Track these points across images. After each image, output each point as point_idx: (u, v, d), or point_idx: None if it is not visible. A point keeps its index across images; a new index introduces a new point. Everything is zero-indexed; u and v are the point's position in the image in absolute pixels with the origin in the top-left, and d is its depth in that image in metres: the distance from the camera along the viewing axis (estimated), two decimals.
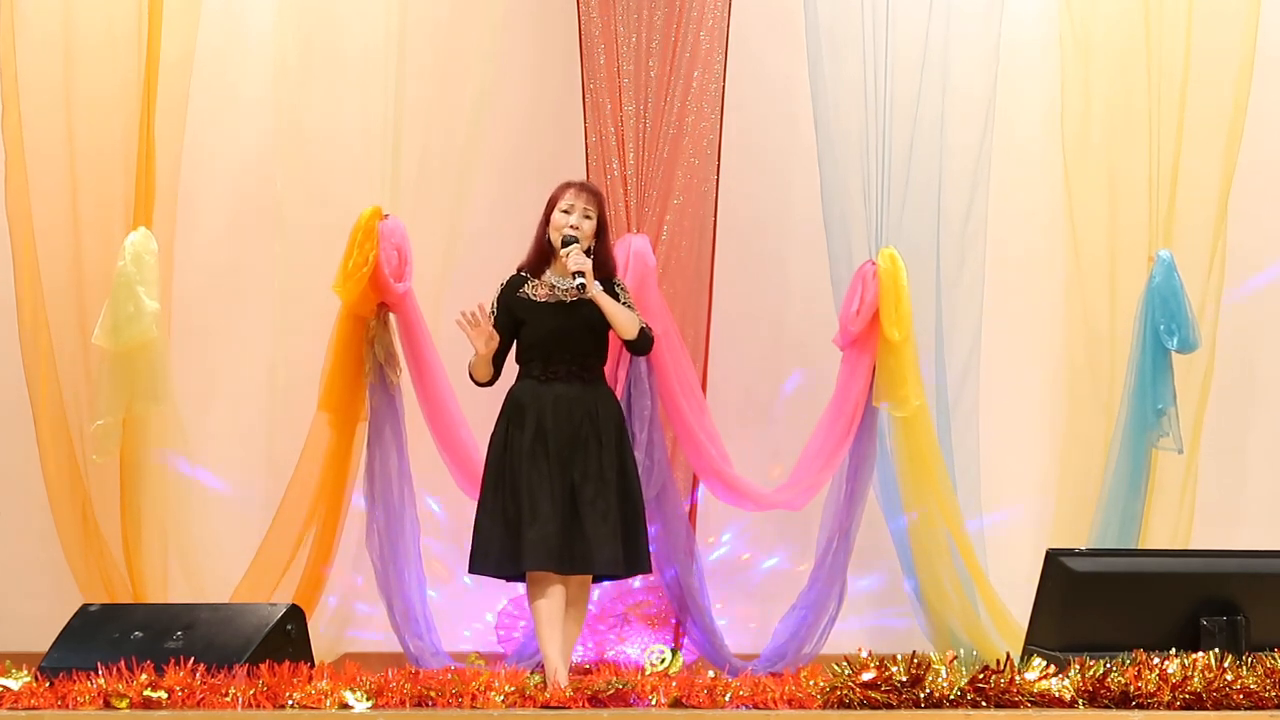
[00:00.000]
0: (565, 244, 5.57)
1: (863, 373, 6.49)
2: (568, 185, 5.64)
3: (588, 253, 5.62)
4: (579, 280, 5.49)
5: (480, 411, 6.06)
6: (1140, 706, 5.02)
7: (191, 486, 6.49)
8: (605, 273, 5.69)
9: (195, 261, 6.66)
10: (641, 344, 5.72)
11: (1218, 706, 5.04)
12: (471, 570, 5.64)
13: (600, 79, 6.53)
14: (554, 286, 5.62)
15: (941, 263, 6.60)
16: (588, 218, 5.61)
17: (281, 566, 6.36)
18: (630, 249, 6.45)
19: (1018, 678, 5.05)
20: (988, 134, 6.57)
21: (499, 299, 5.62)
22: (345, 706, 5.03)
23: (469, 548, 5.68)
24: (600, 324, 5.61)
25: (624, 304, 5.68)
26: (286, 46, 6.52)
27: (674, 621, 6.53)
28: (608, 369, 5.93)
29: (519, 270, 5.72)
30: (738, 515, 6.82)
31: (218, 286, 6.82)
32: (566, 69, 6.68)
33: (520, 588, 5.96)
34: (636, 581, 6.39)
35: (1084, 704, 5.04)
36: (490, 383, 5.62)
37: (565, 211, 5.56)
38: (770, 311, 7.02)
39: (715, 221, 6.63)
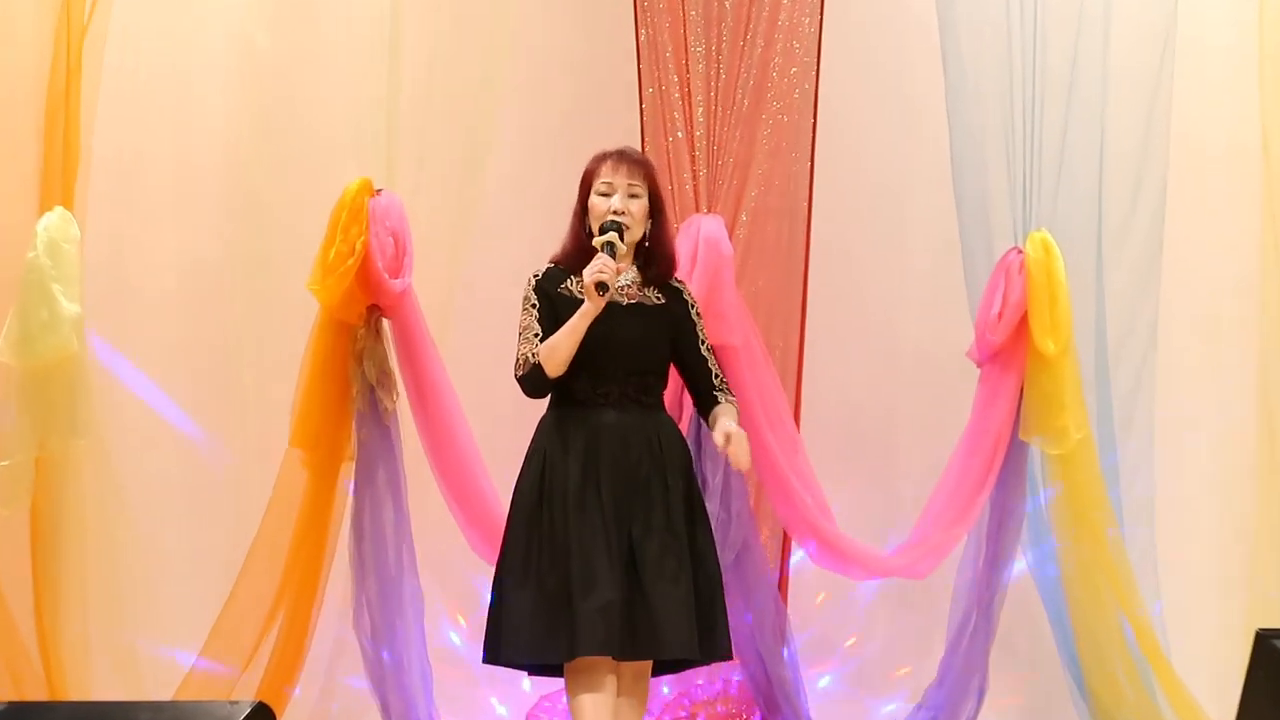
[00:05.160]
0: (604, 231, 5.16)
1: (1006, 397, 6.03)
2: (603, 156, 5.29)
3: (643, 244, 5.20)
4: (603, 284, 5.02)
5: (501, 447, 5.63)
6: None
7: (126, 545, 6.03)
8: (661, 269, 5.28)
9: (136, 257, 6.20)
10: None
11: None
12: (488, 658, 5.17)
13: (659, 12, 6.17)
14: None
15: (1105, 251, 6.10)
16: (634, 196, 5.21)
17: (244, 652, 5.86)
18: (699, 235, 6.02)
19: None
20: (1165, 74, 6.05)
21: (537, 288, 5.22)
22: None
23: (485, 626, 5.24)
24: (664, 335, 5.25)
25: (692, 317, 5.30)
26: None
27: None
28: (671, 395, 5.51)
29: (554, 263, 5.30)
30: (841, 586, 6.37)
31: (160, 288, 6.31)
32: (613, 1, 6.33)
33: (551, 682, 5.66)
34: (700, 678, 6.09)
35: None
36: (551, 388, 5.22)
37: (604, 194, 5.21)
38: (883, 316, 6.66)
39: (811, 198, 6.20)
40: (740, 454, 5.08)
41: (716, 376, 5.31)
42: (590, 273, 5.03)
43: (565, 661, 5.05)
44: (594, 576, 5.03)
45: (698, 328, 5.30)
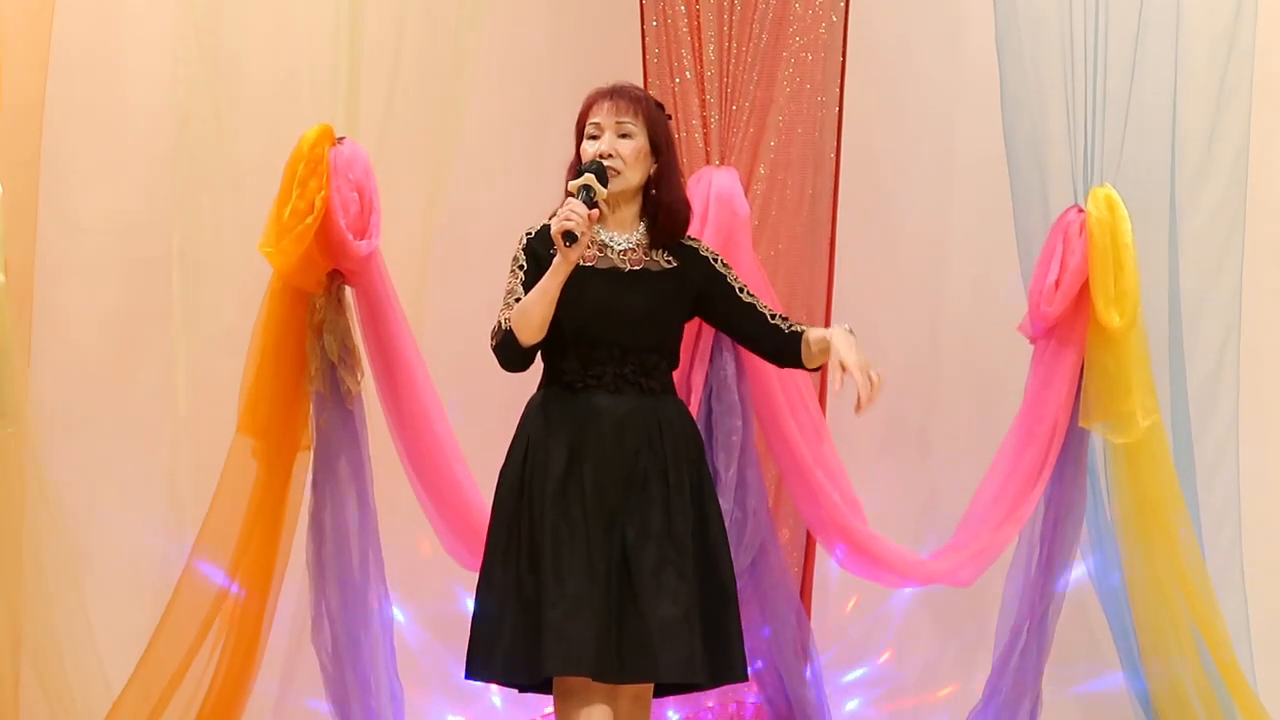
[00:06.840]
0: (580, 175, 4.92)
1: (1064, 377, 5.80)
2: (594, 96, 5.11)
3: (647, 191, 4.95)
4: (571, 234, 4.75)
5: (484, 436, 5.49)
6: None
7: (48, 545, 5.66)
8: (671, 225, 5.00)
9: (58, 218, 5.89)
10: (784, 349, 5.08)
11: None
12: (470, 673, 4.99)
13: None
14: (605, 246, 5.00)
15: (1179, 209, 5.84)
16: (625, 136, 5.00)
17: (179, 672, 5.58)
18: (710, 191, 5.85)
19: None
20: (1248, 2, 5.79)
21: (526, 248, 5.03)
22: None
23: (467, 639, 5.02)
24: (673, 305, 5.04)
25: (718, 269, 5.10)
26: None
27: None
28: (678, 374, 5.26)
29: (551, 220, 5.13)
30: (873, 594, 6.20)
31: (86, 253, 6.06)
32: None
33: (545, 702, 5.47)
34: (711, 701, 5.97)
35: None
36: (529, 359, 5.01)
37: (593, 136, 5.03)
38: (922, 284, 6.45)
39: (839, 147, 6.04)
40: (867, 388, 4.77)
41: (775, 316, 5.07)
42: (557, 220, 4.72)
43: (535, 681, 4.86)
44: (567, 583, 4.84)
45: (729, 278, 5.08)
